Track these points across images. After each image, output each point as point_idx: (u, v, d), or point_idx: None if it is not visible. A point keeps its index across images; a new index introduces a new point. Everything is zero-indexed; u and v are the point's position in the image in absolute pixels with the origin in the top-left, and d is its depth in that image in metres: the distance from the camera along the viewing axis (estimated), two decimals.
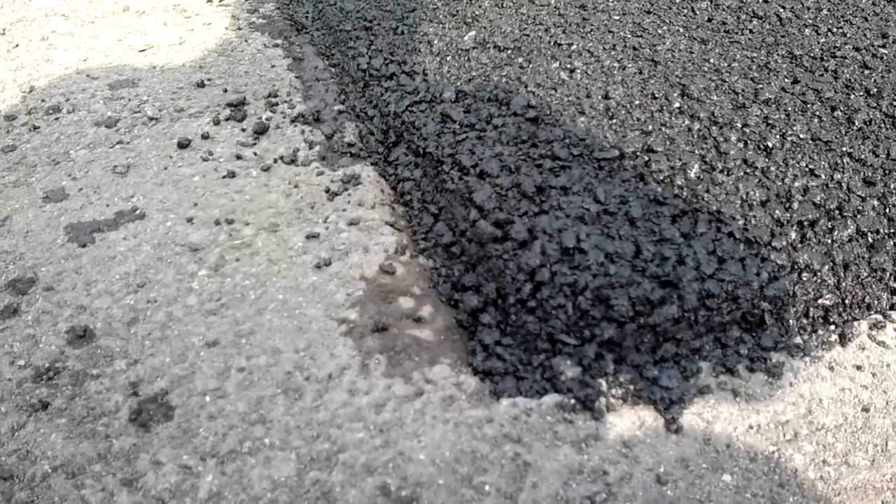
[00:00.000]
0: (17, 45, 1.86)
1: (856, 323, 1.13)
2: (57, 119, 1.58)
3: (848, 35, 1.76)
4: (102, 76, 1.73)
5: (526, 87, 1.55)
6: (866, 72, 1.61)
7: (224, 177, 1.41)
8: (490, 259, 1.17)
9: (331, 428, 0.96)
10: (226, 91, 1.67)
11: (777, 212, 1.22)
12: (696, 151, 1.35)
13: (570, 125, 1.42)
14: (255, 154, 1.47)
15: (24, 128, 1.55)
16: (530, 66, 1.64)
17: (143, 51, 1.84)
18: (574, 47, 1.70)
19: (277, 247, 1.25)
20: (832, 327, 1.13)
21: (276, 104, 1.62)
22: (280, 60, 1.81)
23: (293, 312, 1.12)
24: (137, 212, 1.32)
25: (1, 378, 1.03)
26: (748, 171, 1.31)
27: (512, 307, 1.10)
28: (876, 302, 1.17)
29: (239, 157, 1.46)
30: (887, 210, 1.25)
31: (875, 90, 1.54)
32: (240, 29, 1.95)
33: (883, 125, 1.44)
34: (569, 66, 1.63)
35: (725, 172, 1.30)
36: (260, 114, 1.60)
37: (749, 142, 1.38)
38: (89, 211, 1.33)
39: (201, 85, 1.68)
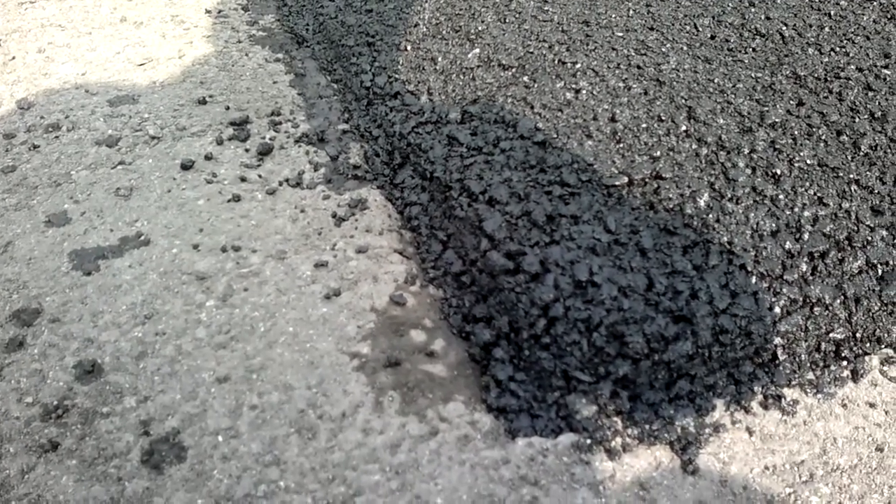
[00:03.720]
0: (13, 58, 1.84)
1: (867, 358, 1.13)
2: (57, 137, 1.56)
3: (851, 55, 1.76)
4: (101, 91, 1.71)
5: (532, 108, 1.54)
6: (870, 94, 1.61)
7: (229, 200, 1.39)
8: (502, 291, 1.16)
9: (346, 470, 0.95)
10: (228, 108, 1.65)
11: (787, 243, 1.22)
12: (705, 178, 1.35)
13: (577, 149, 1.41)
14: (260, 176, 1.46)
15: (23, 147, 1.53)
16: (535, 85, 1.63)
17: (142, 65, 1.81)
18: (578, 66, 1.70)
19: (286, 276, 1.24)
20: (844, 363, 1.13)
21: (280, 123, 1.60)
22: (282, 76, 1.79)
23: (304, 346, 1.11)
24: (142, 238, 1.31)
25: (8, 416, 1.01)
26: (757, 199, 1.30)
27: (525, 342, 1.10)
28: (886, 335, 1.17)
29: (243, 180, 1.45)
30: None
31: (880, 113, 1.54)
32: (240, 42, 1.93)
33: (889, 150, 1.44)
34: (574, 86, 1.62)
35: (735, 201, 1.30)
36: (263, 133, 1.58)
37: (757, 168, 1.37)
38: (93, 236, 1.31)
39: (203, 102, 1.67)
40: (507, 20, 1.91)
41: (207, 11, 2.07)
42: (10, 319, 1.15)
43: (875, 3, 2.01)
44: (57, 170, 1.47)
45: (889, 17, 1.95)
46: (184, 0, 2.13)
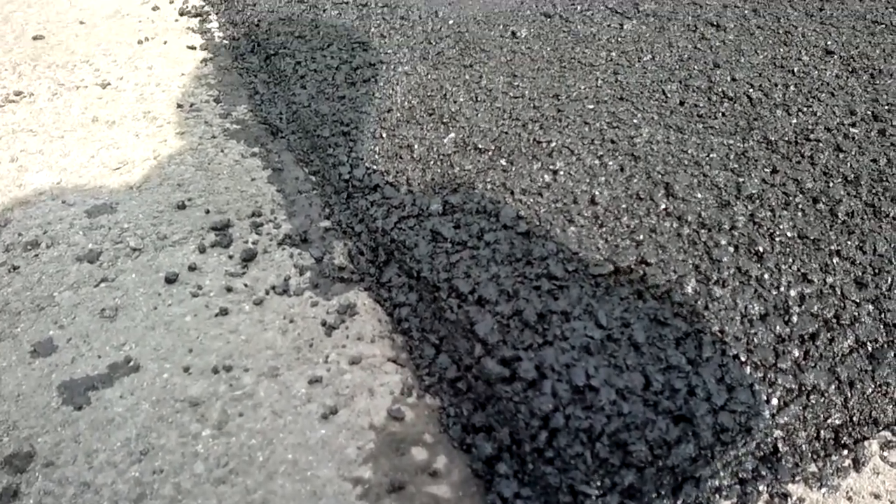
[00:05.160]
0: None
1: (867, 443, 1.14)
2: (36, 256, 1.54)
3: (818, 114, 1.79)
4: (79, 202, 1.70)
5: (512, 193, 1.55)
6: (841, 155, 1.64)
7: (216, 315, 1.38)
8: (500, 400, 1.16)
9: None
10: (208, 212, 1.65)
11: (777, 327, 1.23)
12: (690, 260, 1.36)
13: (561, 237, 1.42)
14: (246, 285, 1.45)
15: (3, 269, 1.51)
16: (513, 168, 1.64)
17: (117, 169, 1.81)
18: (553, 144, 1.71)
19: (280, 395, 1.23)
20: (845, 451, 1.14)
21: (261, 224, 1.60)
22: (259, 172, 1.79)
23: (305, 475, 1.10)
24: (131, 363, 1.29)
25: None
26: (743, 280, 1.32)
27: (528, 455, 1.09)
28: (883, 416, 1.18)
29: (229, 290, 1.44)
30: (883, 315, 1.27)
31: (853, 176, 1.57)
32: (214, 137, 1.93)
33: (865, 216, 1.47)
34: (551, 166, 1.64)
35: (721, 284, 1.31)
36: (245, 236, 1.57)
37: (740, 246, 1.39)
38: (81, 365, 1.29)
39: (182, 206, 1.66)
40: (478, 98, 1.93)
41: (179, 106, 2.07)
42: (3, 466, 1.13)
43: (835, 57, 2.06)
44: (39, 292, 1.45)
45: (850, 70, 2.00)
46: (155, 95, 2.13)
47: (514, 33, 2.23)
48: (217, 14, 2.61)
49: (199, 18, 2.58)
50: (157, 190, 1.73)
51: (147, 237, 1.58)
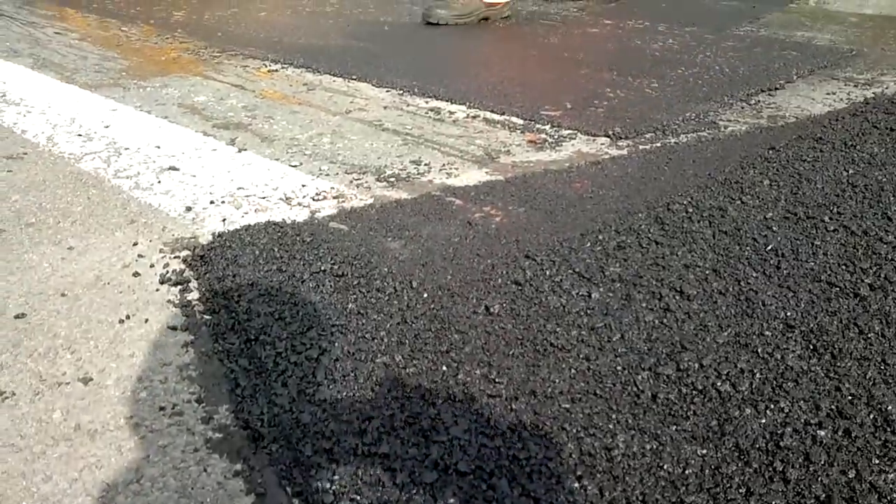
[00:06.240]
0: None
1: None
2: None
3: (785, 411, 1.86)
4: None
5: None
6: (811, 468, 1.69)
7: None
8: None
9: None
10: None
11: None
12: None
13: None
14: None
15: None
16: (494, 495, 1.67)
17: (101, 497, 1.81)
18: (532, 462, 1.75)
19: None
20: None
21: None
22: (242, 498, 1.80)
23: None
24: None
25: None
26: None
27: None
28: None
29: None
30: None
31: (824, 496, 1.61)
32: (197, 451, 1.95)
33: None
34: (533, 493, 1.67)
35: None
36: None
37: None
38: None
39: None
40: (456, 399, 1.98)
41: (161, 409, 2.09)
42: None
43: (796, 333, 2.15)
44: None
45: (811, 349, 2.08)
46: (137, 393, 2.16)
47: (487, 308, 2.32)
48: (198, 279, 2.68)
49: (179, 287, 2.65)
50: None
51: None
